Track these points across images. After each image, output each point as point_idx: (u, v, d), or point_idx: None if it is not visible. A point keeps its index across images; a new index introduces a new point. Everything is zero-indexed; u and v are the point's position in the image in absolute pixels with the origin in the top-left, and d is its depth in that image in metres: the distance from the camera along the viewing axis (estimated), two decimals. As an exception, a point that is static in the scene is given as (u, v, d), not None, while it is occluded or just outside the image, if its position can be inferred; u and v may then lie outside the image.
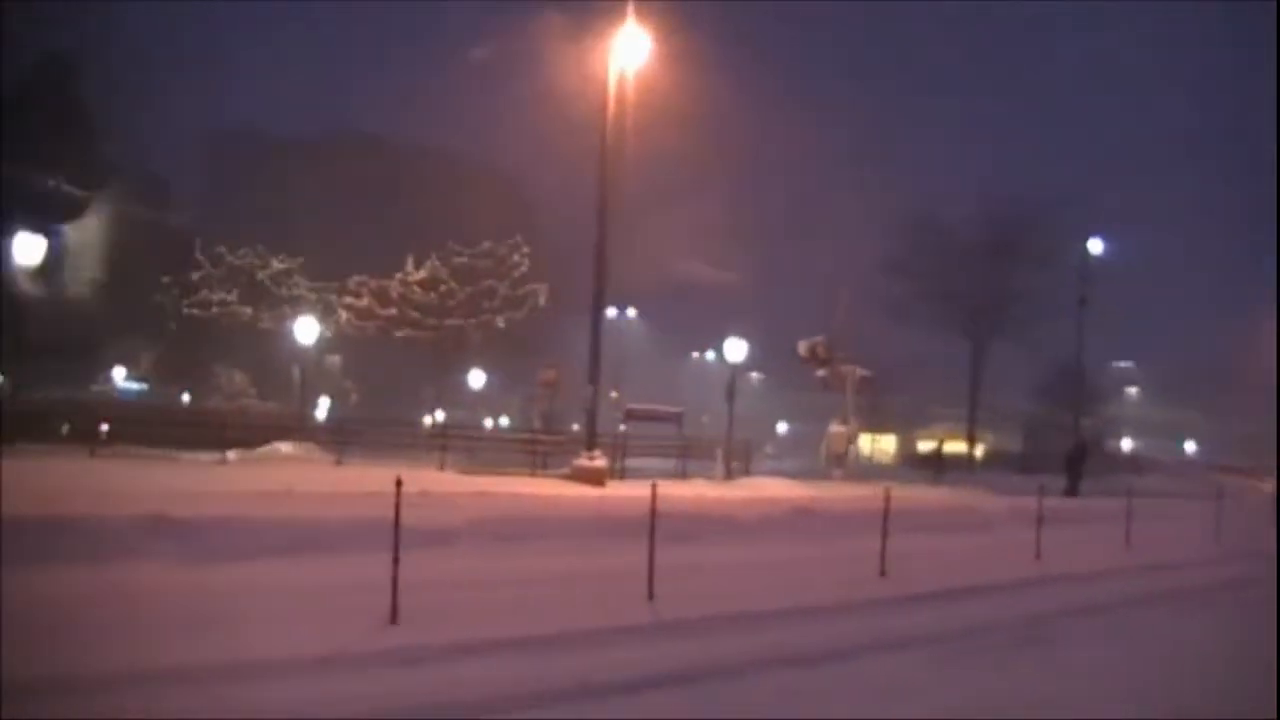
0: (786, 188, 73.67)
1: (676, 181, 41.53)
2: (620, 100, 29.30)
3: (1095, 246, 52.85)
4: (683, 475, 33.57)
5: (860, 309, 42.98)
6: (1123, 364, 77.77)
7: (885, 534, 13.41)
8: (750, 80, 54.22)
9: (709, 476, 33.66)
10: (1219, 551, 18.83)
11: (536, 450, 33.30)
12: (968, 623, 10.45)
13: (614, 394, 53.95)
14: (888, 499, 13.93)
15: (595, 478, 27.79)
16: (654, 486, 11.32)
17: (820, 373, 40.21)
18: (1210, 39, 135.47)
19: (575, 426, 42.99)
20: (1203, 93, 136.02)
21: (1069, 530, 18.03)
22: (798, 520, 18.75)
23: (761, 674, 8.17)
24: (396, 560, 9.24)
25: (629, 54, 29.33)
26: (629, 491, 26.92)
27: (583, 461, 28.19)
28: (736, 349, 38.23)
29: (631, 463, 32.45)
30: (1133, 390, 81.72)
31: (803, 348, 39.49)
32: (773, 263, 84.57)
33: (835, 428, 40.22)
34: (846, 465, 39.16)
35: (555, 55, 31.65)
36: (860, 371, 40.24)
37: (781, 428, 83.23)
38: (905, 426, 75.61)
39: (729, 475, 34.07)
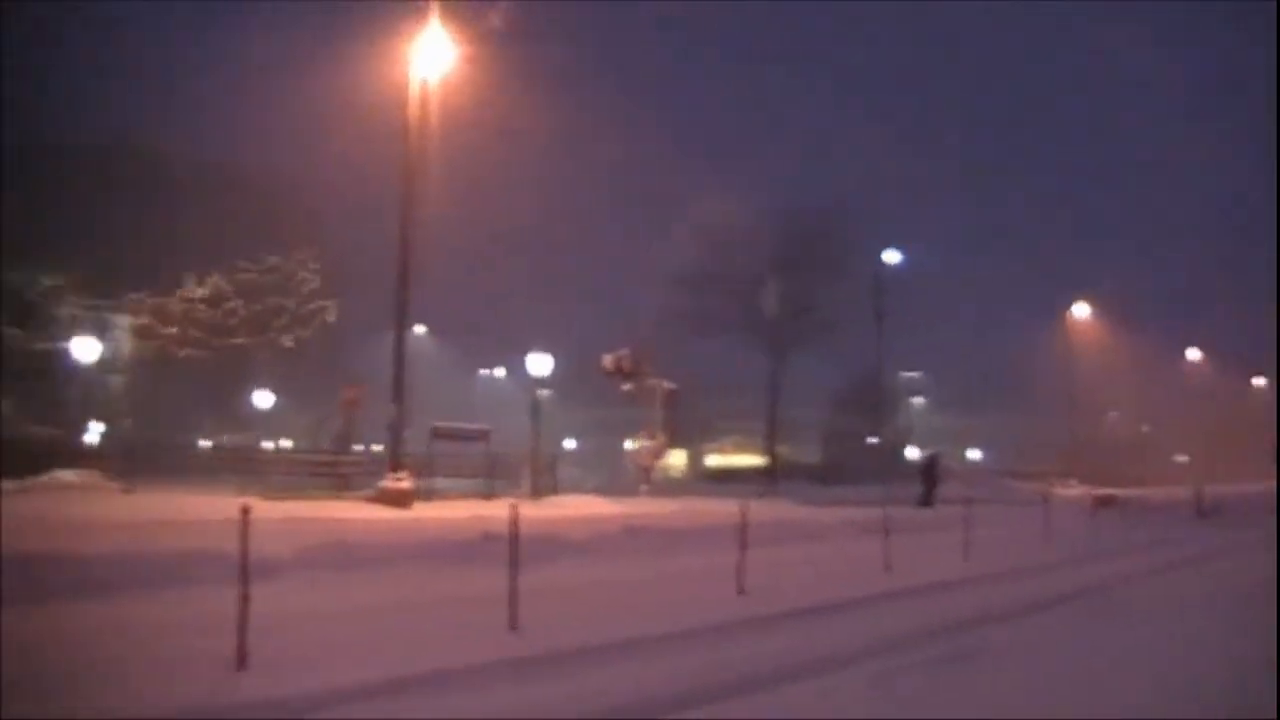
0: (589, 201, 72.98)
1: (476, 195, 40.46)
2: (423, 108, 28.46)
3: (891, 257, 53.87)
4: (490, 495, 32.76)
5: (661, 322, 42.72)
6: (911, 374, 79.71)
7: (744, 548, 12.79)
8: (555, 89, 53.36)
9: (516, 495, 32.91)
10: (1058, 556, 18.87)
11: (336, 473, 31.96)
12: (863, 641, 9.81)
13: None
14: (745, 514, 13.39)
15: (402, 500, 26.92)
16: (514, 508, 10.46)
17: (626, 386, 39.74)
18: (996, 63, 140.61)
19: (360, 447, 41.87)
20: (992, 115, 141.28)
21: (908, 539, 17.79)
22: (632, 538, 18.16)
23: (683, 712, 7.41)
24: (245, 598, 8.16)
25: (432, 60, 28.49)
26: (440, 513, 25.98)
27: (389, 483, 27.25)
28: (540, 364, 37.58)
29: (436, 483, 31.42)
30: (919, 400, 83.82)
31: (608, 361, 38.92)
32: (569, 277, 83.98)
33: (642, 442, 39.86)
34: (653, 481, 38.82)
35: (354, 60, 30.41)
36: (667, 385, 39.97)
37: (569, 444, 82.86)
38: (693, 441, 75.82)
39: (536, 493, 33.36)
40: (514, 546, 10.24)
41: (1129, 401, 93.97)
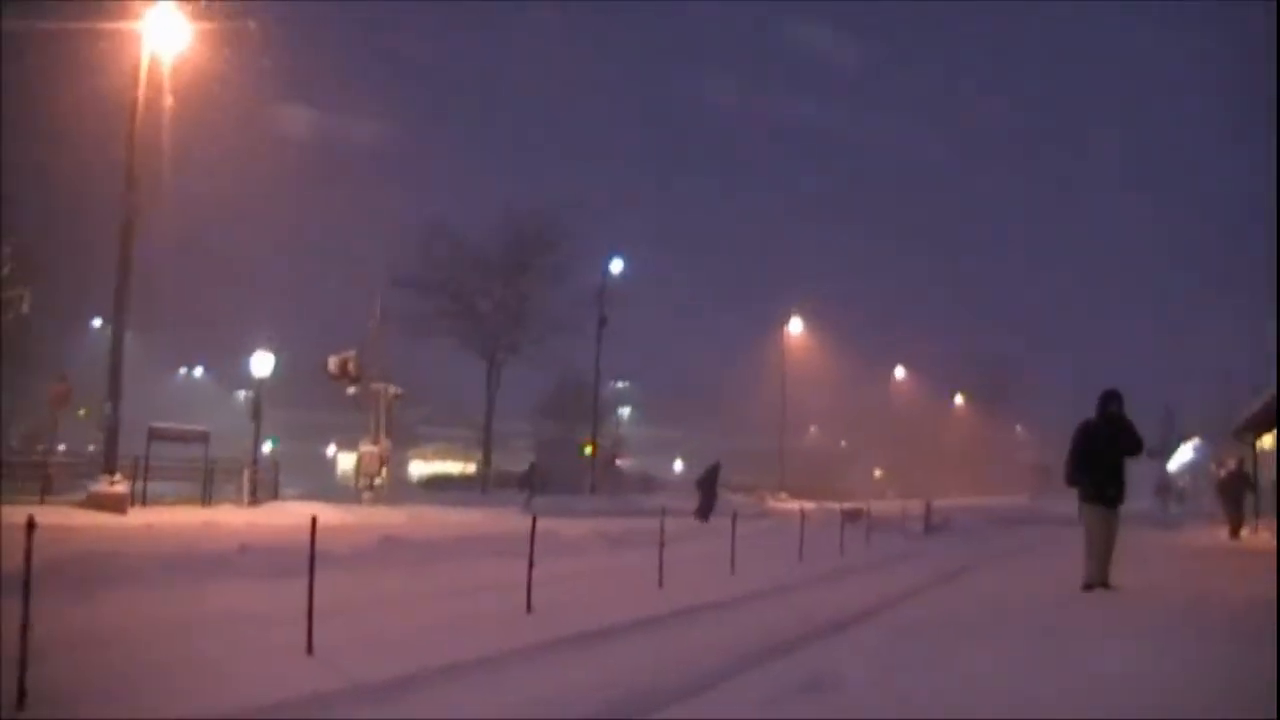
0: (316, 198, 70.33)
1: (197, 181, 38.26)
2: (151, 88, 26.85)
3: (616, 266, 54.03)
4: (207, 500, 31.10)
5: (384, 325, 41.39)
6: (620, 384, 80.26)
7: (532, 563, 12.01)
8: (291, 78, 51.35)
9: (235, 501, 31.37)
10: (823, 570, 18.79)
11: (43, 474, 29.57)
12: (694, 668, 9.20)
13: (81, 412, 49.64)
14: (534, 527, 12.54)
15: (117, 505, 25.27)
16: (314, 520, 9.41)
17: (351, 390, 38.36)
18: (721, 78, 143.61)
19: (63, 447, 39.08)
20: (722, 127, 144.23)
21: (667, 553, 17.44)
22: (394, 550, 17.16)
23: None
24: None
25: (162, 36, 26.92)
26: (163, 519, 24.34)
27: (102, 487, 25.49)
28: (263, 363, 35.87)
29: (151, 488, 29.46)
30: (626, 410, 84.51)
31: (333, 364, 37.44)
32: (281, 273, 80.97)
33: (366, 448, 38.59)
34: (378, 488, 37.60)
35: (76, 36, 28.24)
36: (393, 389, 38.83)
37: (266, 447, 79.91)
38: (396, 447, 74.30)
39: (255, 500, 31.84)
40: (312, 561, 9.23)
41: (830, 416, 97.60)
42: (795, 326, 73.50)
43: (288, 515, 25.53)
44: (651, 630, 11.25)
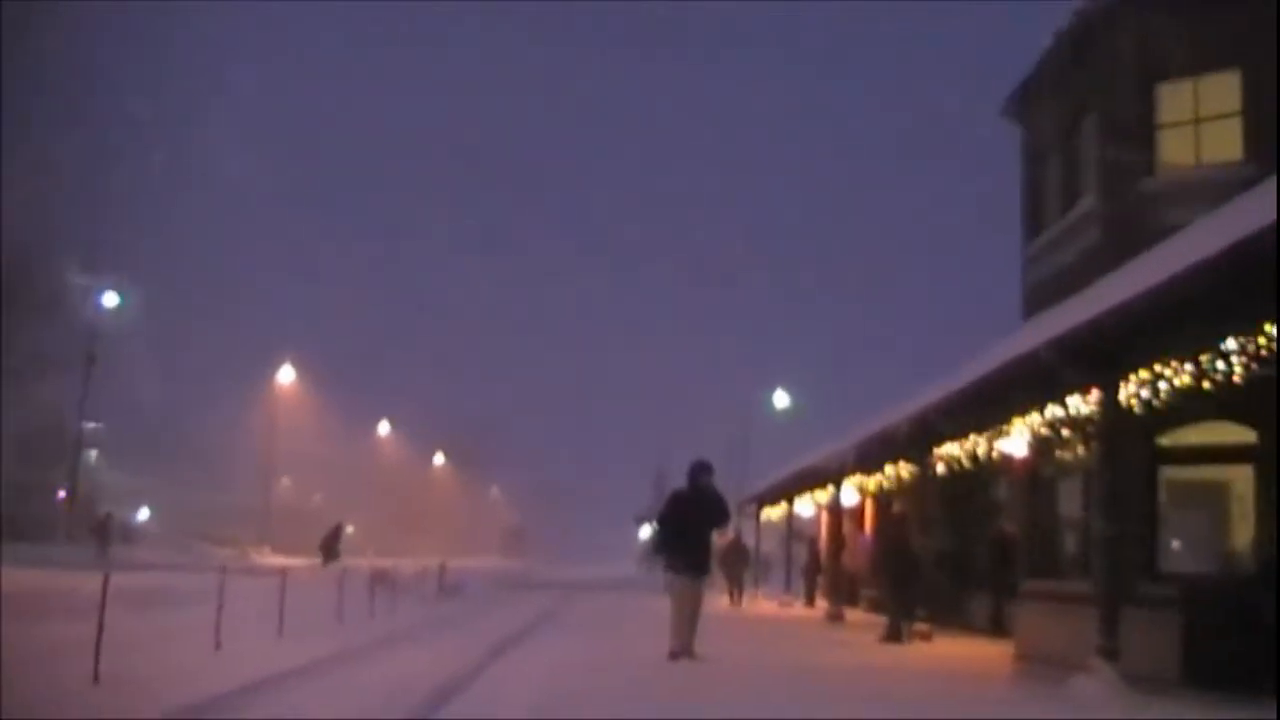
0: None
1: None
2: None
3: (111, 300, 50.47)
4: None
5: None
6: (90, 424, 74.62)
7: (102, 625, 10.66)
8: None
9: None
10: (373, 636, 18.05)
11: None
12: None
13: None
14: (105, 584, 11.23)
15: None
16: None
17: None
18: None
19: None
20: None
21: (196, 612, 15.95)
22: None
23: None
24: None
25: None
26: None
27: None
28: None
29: None
30: (94, 453, 78.67)
31: None
32: None
33: None
34: None
35: None
36: None
37: None
38: None
39: None
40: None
41: (305, 469, 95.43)
42: (287, 375, 71.25)
43: None
44: (251, 701, 10.32)
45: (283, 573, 18.99)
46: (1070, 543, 17.35)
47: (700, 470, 14.91)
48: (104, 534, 41.65)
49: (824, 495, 29.44)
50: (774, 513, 37.54)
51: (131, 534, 60.92)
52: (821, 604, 28.83)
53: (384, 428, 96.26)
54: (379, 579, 24.72)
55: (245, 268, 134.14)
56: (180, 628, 15.06)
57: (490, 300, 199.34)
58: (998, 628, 20.19)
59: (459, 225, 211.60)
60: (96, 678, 10.38)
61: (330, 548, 35.52)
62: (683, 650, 14.27)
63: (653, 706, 10.47)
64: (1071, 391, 13.29)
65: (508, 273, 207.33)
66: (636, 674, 13.00)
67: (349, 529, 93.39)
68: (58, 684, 10.14)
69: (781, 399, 61.09)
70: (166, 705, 9.45)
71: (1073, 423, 14.09)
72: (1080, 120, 18.47)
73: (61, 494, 53.44)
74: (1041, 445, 16.10)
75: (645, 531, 73.15)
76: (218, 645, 13.75)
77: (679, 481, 15.96)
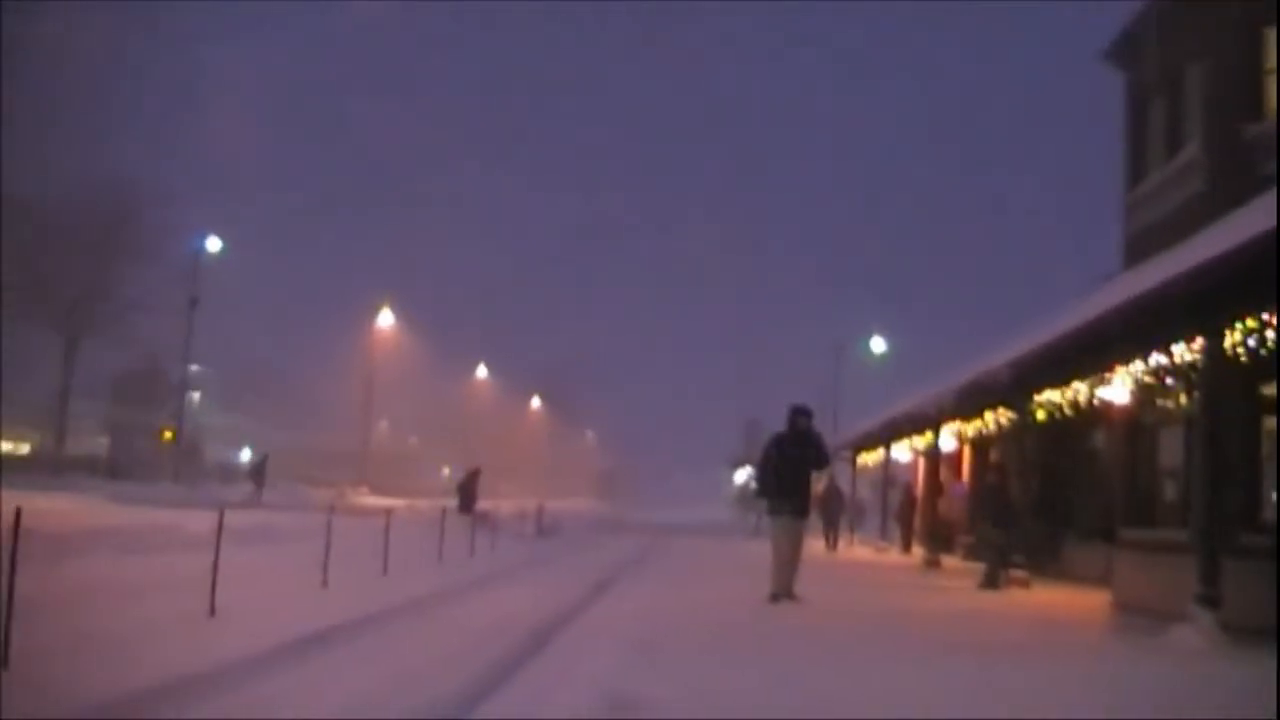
0: None
1: None
2: None
3: (214, 244, 51.40)
4: None
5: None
6: (194, 368, 76.34)
7: (218, 557, 11.18)
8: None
9: None
10: (484, 571, 18.56)
11: None
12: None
13: None
14: (223, 517, 11.73)
15: None
16: None
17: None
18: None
19: None
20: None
21: (296, 549, 16.55)
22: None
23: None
24: None
25: None
26: None
27: None
28: None
29: None
30: (196, 395, 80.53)
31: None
32: None
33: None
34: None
35: None
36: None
37: None
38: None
39: None
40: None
41: (402, 412, 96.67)
42: (386, 319, 71.86)
43: None
44: (358, 636, 10.71)
45: (387, 513, 19.52)
46: (1170, 491, 17.29)
47: (799, 414, 15.04)
48: (260, 476, 42.89)
49: (921, 441, 29.38)
50: (869, 458, 37.55)
51: (229, 473, 62.29)
52: (917, 550, 28.87)
53: (481, 371, 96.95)
54: (479, 519, 25.24)
55: (347, 215, 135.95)
56: (288, 565, 15.54)
57: (588, 249, 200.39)
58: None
59: (559, 171, 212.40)
60: (213, 610, 10.85)
61: (469, 492, 35.56)
62: (783, 593, 14.47)
63: (757, 644, 10.69)
64: (1175, 339, 13.21)
65: (609, 221, 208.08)
66: (738, 614, 13.25)
67: (445, 470, 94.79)
68: (177, 615, 10.59)
69: (878, 344, 60.97)
70: (278, 639, 9.83)
71: (1176, 371, 14.00)
72: (1185, 66, 18.21)
73: (167, 435, 54.69)
74: (1143, 393, 16.03)
75: (739, 475, 73.36)
76: (324, 582, 14.22)
77: (771, 428, 16.14)
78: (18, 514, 8.03)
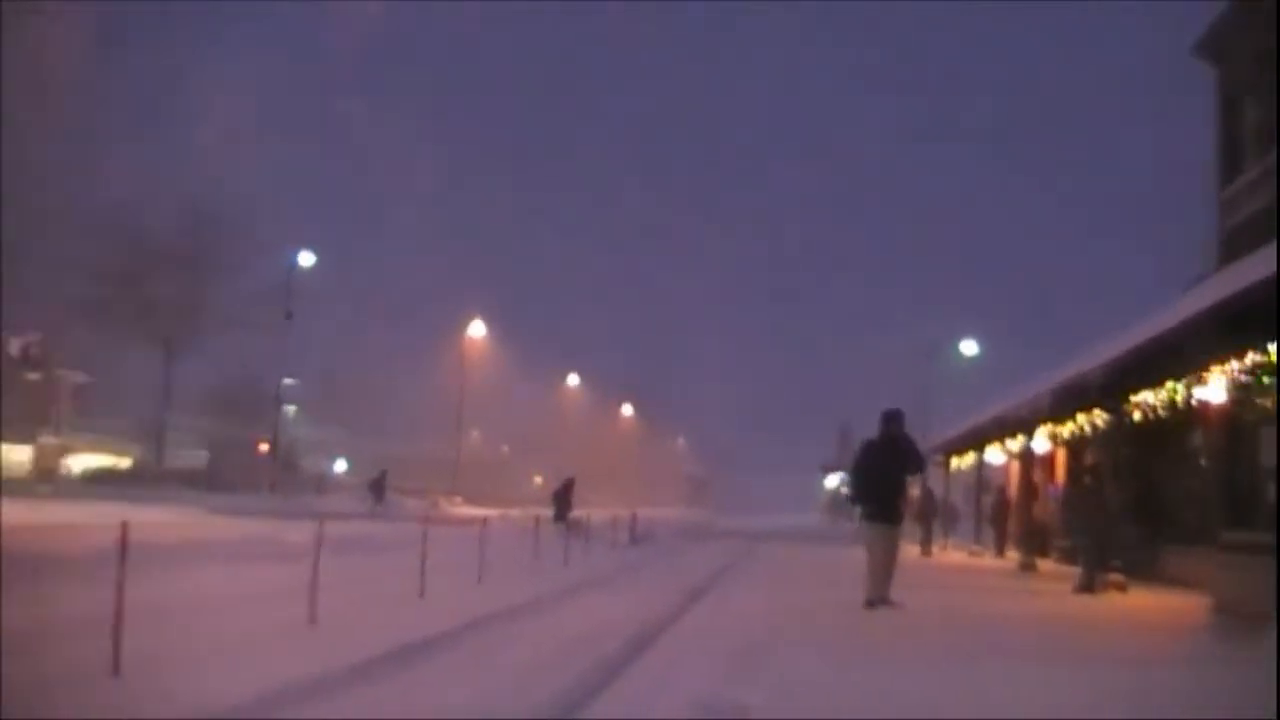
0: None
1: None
2: None
3: (307, 259, 52.28)
4: None
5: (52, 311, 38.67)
6: (288, 381, 77.55)
7: (317, 572, 11.36)
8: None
9: None
10: (581, 577, 18.73)
11: None
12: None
13: None
14: (322, 527, 11.95)
15: None
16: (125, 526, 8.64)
17: (33, 376, 35.71)
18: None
19: None
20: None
21: (394, 559, 16.82)
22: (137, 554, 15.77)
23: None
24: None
25: None
26: None
27: None
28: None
29: None
30: (291, 408, 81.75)
31: (15, 346, 34.73)
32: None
33: (47, 440, 36.05)
34: (57, 481, 35.13)
35: None
36: (80, 378, 36.44)
37: None
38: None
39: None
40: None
41: (494, 421, 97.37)
42: (477, 330, 72.43)
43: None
44: (458, 644, 10.80)
45: (483, 521, 19.74)
46: (1271, 492, 17.00)
47: (892, 418, 14.91)
48: (380, 489, 44.25)
49: (1014, 443, 29.12)
50: (961, 462, 37.24)
51: (324, 484, 63.30)
52: (1011, 554, 28.63)
53: (573, 380, 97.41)
54: (573, 527, 25.43)
55: (438, 226, 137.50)
56: (385, 575, 15.72)
57: (681, 258, 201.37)
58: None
59: (654, 186, 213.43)
60: (313, 618, 11.06)
61: (564, 501, 35.89)
62: (879, 599, 14.40)
63: (855, 650, 10.70)
64: (1273, 338, 13.03)
65: (701, 231, 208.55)
66: (836, 620, 13.24)
67: (537, 479, 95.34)
68: (278, 625, 10.83)
69: (969, 347, 60.39)
70: (381, 648, 9.88)
71: (1277, 369, 13.79)
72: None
73: (263, 447, 55.73)
74: (1242, 392, 15.80)
75: (831, 481, 73.07)
76: (421, 592, 14.37)
77: (861, 434, 16.10)
78: (124, 528, 8.23)
